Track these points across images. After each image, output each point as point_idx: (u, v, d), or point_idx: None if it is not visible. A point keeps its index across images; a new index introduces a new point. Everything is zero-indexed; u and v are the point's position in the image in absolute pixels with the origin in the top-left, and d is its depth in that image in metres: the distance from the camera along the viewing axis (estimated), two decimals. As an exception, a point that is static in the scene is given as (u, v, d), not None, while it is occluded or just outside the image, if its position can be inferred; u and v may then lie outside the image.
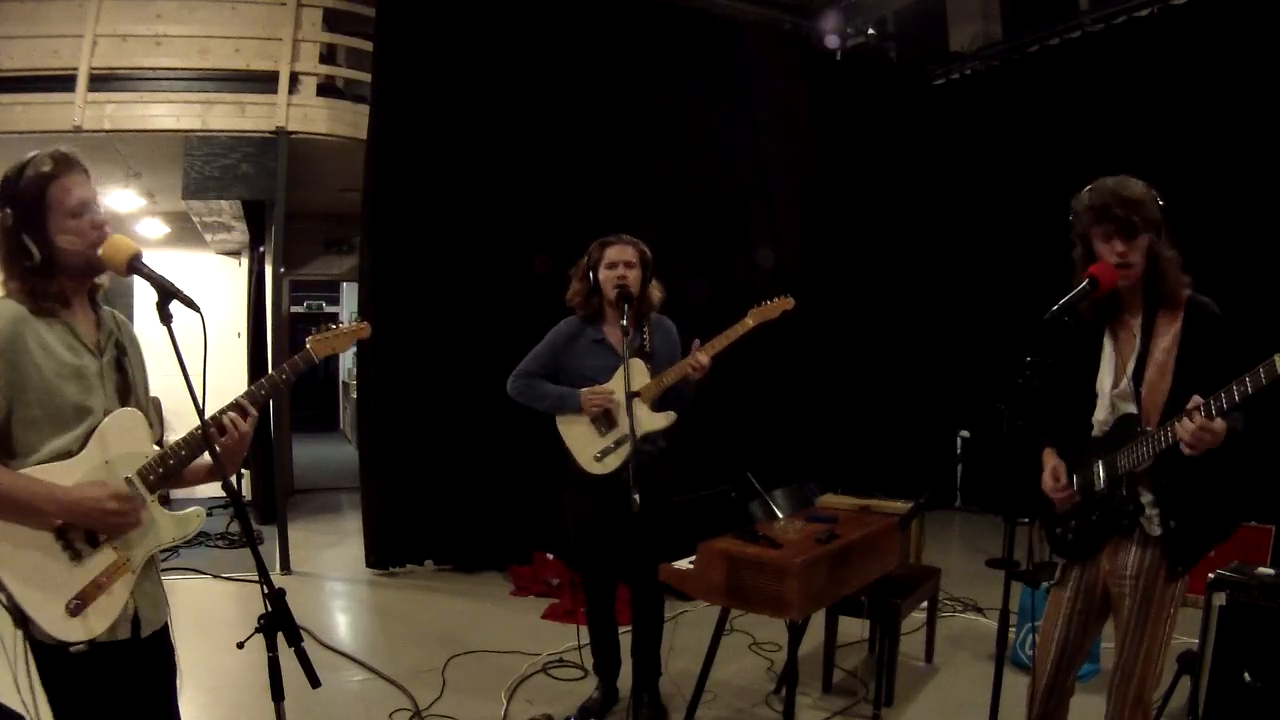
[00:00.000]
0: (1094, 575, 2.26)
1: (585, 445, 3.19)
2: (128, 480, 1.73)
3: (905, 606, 3.52)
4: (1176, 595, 2.14)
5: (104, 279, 1.82)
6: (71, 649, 1.63)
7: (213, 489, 1.83)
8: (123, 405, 1.79)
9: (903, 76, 7.60)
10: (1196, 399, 1.92)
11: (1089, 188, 2.19)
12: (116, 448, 1.73)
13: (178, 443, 1.80)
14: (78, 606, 1.64)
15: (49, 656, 1.65)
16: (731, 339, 3.17)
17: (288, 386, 1.96)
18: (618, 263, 3.17)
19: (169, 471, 1.78)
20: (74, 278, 1.75)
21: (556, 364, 3.30)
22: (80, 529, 1.67)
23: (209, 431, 1.75)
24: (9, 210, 1.67)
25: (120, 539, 1.72)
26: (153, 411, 1.87)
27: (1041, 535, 2.43)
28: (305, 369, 1.96)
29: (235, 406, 1.83)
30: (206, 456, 1.84)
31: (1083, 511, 2.27)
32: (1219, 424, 1.89)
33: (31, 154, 1.72)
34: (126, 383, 1.83)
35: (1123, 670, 2.16)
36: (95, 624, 1.67)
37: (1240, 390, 1.85)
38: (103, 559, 1.70)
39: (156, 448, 1.81)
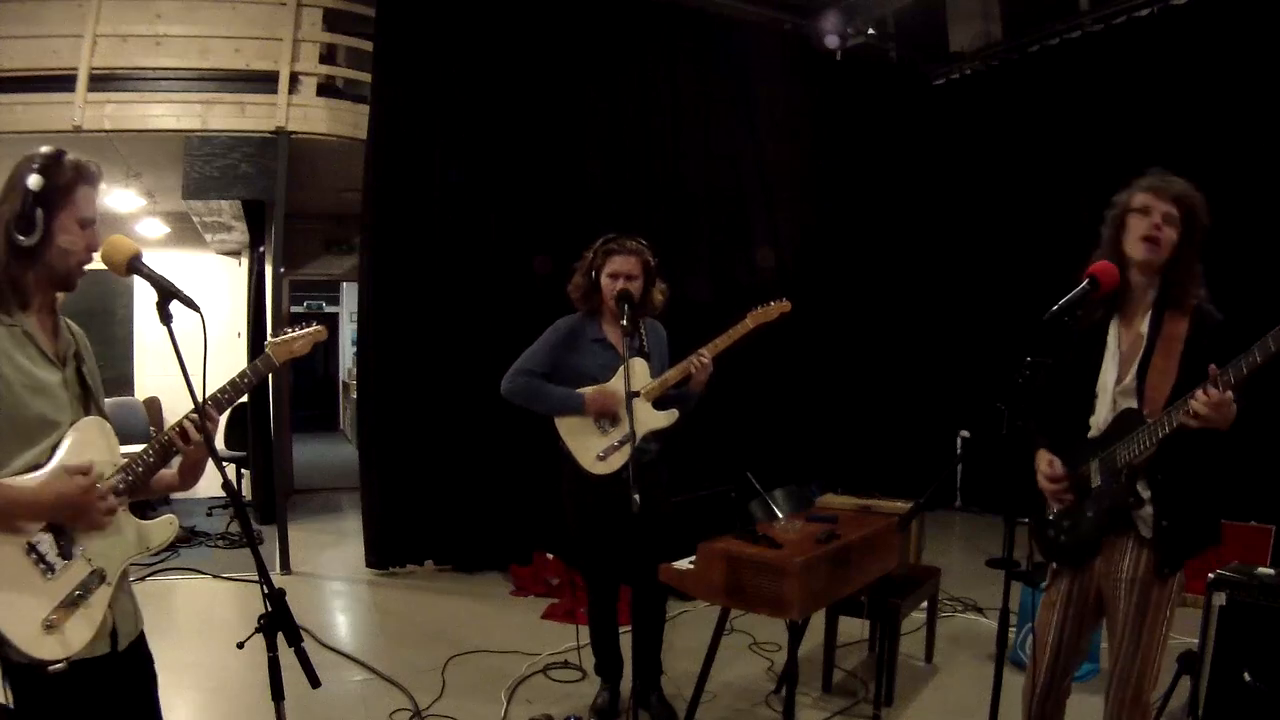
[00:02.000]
0: (1087, 577, 2.25)
1: (587, 445, 3.18)
2: None
3: (905, 606, 3.52)
4: (1172, 596, 2.13)
5: (60, 296, 1.78)
6: (50, 668, 1.55)
7: (213, 489, 1.82)
8: (86, 415, 1.75)
9: (903, 76, 7.61)
10: (1214, 367, 1.90)
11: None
12: (84, 457, 1.69)
13: (145, 449, 1.77)
14: (54, 623, 1.57)
15: (25, 678, 1.58)
16: (732, 339, 3.20)
17: (249, 390, 1.97)
18: (620, 274, 3.17)
19: (138, 479, 1.74)
20: (47, 279, 1.71)
21: (555, 362, 3.28)
22: (52, 541, 1.61)
23: (203, 430, 1.74)
24: (40, 178, 1.64)
25: (93, 550, 1.67)
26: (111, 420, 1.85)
27: (1032, 540, 2.41)
28: (267, 373, 2.00)
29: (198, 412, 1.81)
30: (174, 466, 1.81)
31: (1076, 511, 2.25)
32: (1231, 398, 1.88)
33: (62, 149, 1.70)
34: (87, 394, 1.79)
35: (1120, 672, 2.16)
36: (73, 640, 1.60)
37: (1249, 361, 1.84)
38: (77, 571, 1.64)
39: (124, 457, 1.78)
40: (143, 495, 1.81)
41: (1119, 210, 2.21)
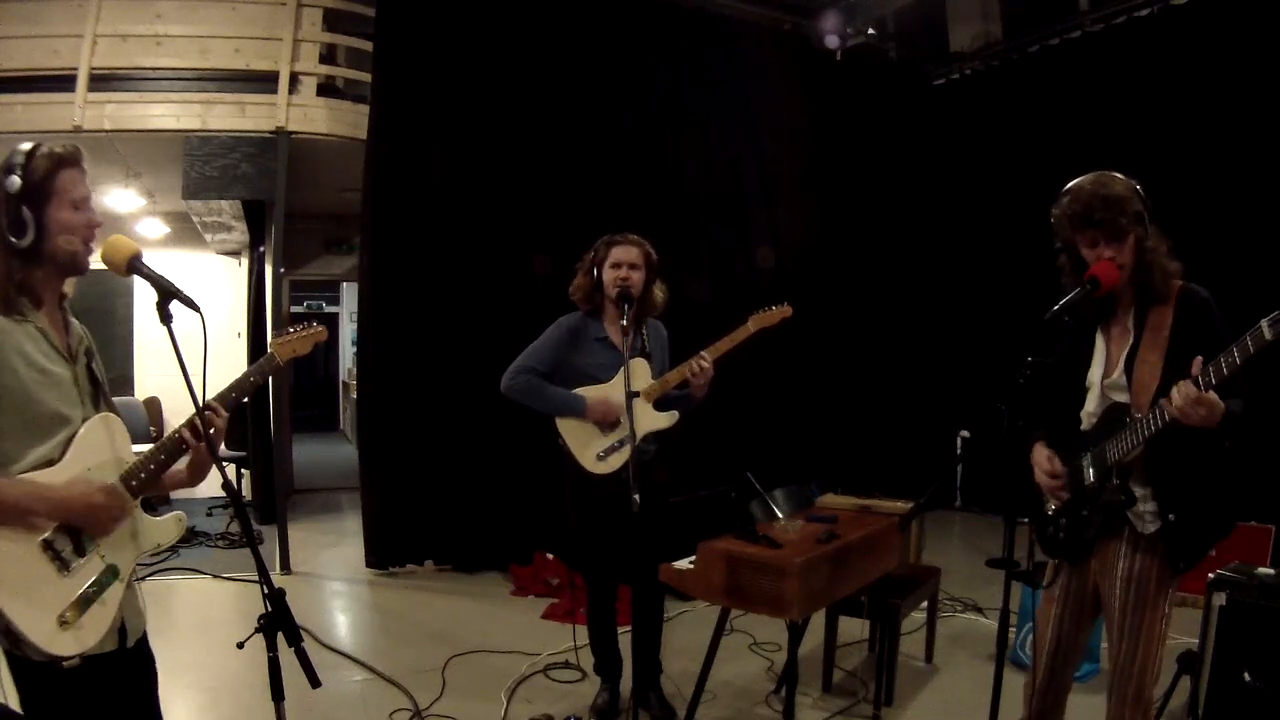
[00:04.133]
0: (1083, 575, 2.25)
1: (588, 444, 3.18)
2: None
3: (905, 606, 3.52)
4: (1169, 593, 2.12)
5: (69, 286, 1.79)
6: (65, 663, 1.58)
7: (213, 489, 1.83)
8: (97, 411, 1.76)
9: (903, 76, 7.61)
10: (1198, 360, 1.87)
11: (1066, 194, 2.15)
12: (97, 454, 1.70)
13: (155, 447, 1.78)
14: (69, 619, 1.59)
15: (32, 675, 1.59)
16: (733, 343, 3.20)
17: (255, 390, 1.98)
18: (622, 263, 3.17)
19: (150, 476, 1.76)
20: (56, 273, 1.72)
21: (557, 361, 3.26)
22: (67, 538, 1.63)
23: (206, 427, 1.74)
24: (18, 179, 1.64)
25: (107, 547, 1.69)
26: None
27: (1032, 536, 2.42)
28: (271, 372, 2.02)
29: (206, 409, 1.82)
30: (182, 463, 1.82)
31: (1073, 508, 2.25)
32: (1213, 398, 1.84)
33: (36, 142, 1.70)
34: (98, 389, 1.80)
35: (1119, 671, 2.16)
36: (88, 636, 1.62)
37: (1228, 361, 1.80)
38: (91, 568, 1.66)
39: (136, 454, 1.79)
40: (153, 492, 1.83)
41: (1065, 239, 2.18)
